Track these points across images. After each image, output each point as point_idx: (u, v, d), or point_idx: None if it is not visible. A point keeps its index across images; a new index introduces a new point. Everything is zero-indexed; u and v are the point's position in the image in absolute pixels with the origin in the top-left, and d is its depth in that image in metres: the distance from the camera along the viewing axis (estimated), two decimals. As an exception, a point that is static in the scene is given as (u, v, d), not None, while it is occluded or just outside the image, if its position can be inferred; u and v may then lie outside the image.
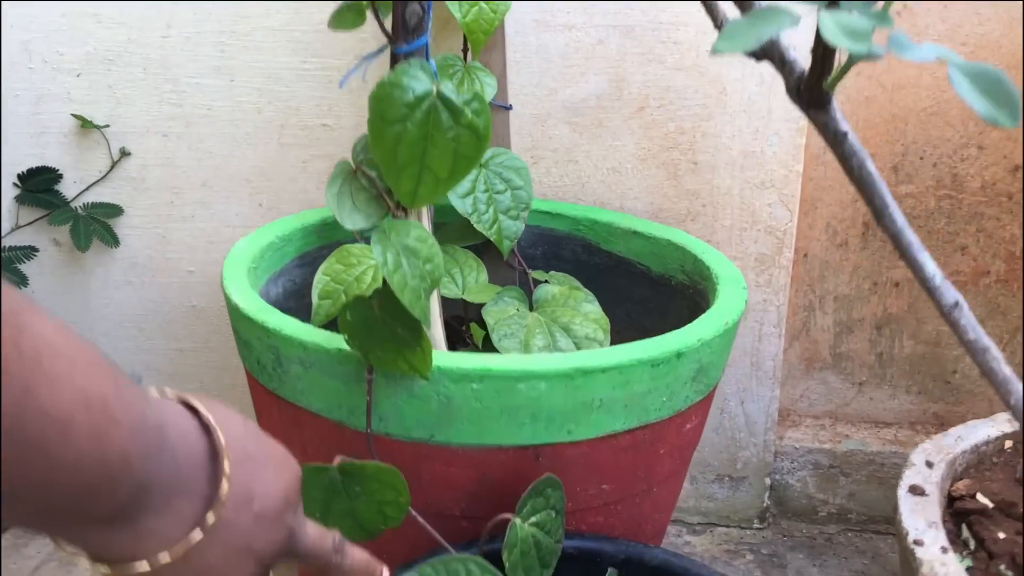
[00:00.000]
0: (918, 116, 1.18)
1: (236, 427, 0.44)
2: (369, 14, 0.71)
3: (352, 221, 0.71)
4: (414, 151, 0.65)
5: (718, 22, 0.69)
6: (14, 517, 0.34)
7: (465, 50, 1.03)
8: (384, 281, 0.68)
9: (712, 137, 1.14)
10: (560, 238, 1.13)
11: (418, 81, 0.64)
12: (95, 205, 1.24)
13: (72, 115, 1.21)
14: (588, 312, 0.94)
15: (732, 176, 1.15)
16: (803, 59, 0.60)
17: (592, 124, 1.15)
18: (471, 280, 0.99)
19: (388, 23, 0.74)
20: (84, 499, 0.35)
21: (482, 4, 0.97)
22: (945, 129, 1.19)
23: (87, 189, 1.25)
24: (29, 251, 1.24)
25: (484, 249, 1.03)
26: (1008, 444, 0.92)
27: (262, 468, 0.44)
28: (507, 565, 0.67)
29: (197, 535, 0.40)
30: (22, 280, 1.21)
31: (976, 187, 1.20)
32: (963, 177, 1.20)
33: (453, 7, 0.92)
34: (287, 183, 1.23)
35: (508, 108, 1.07)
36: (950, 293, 0.74)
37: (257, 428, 0.46)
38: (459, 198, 0.98)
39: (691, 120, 1.13)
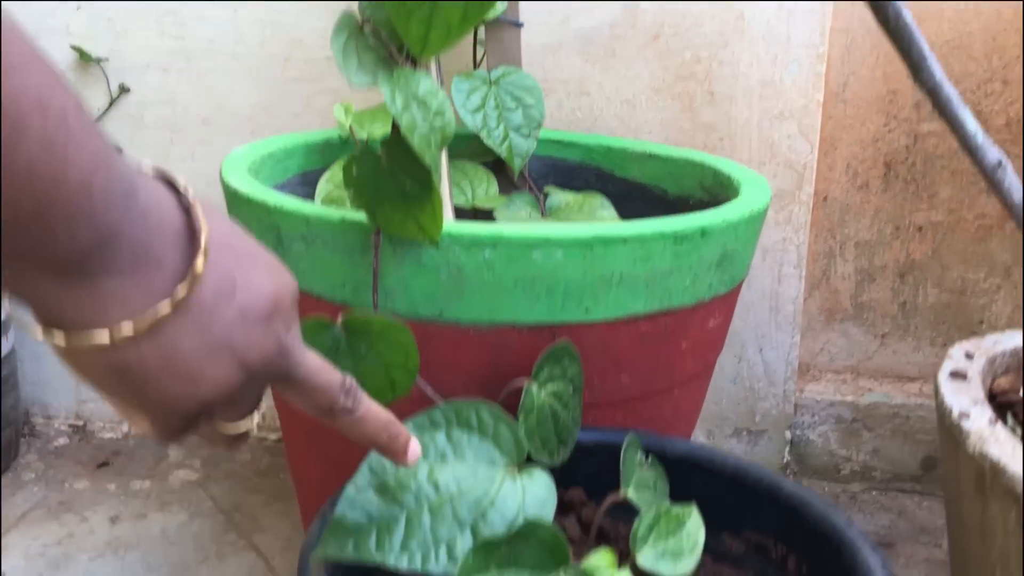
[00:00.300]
0: (940, 50, 1.15)
1: (221, 219, 0.39)
2: None
3: (358, 76, 0.67)
4: (426, -15, 0.61)
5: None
6: None
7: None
8: (392, 132, 0.64)
9: (729, 66, 1.10)
10: (572, 168, 1.09)
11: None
12: (92, 144, 1.20)
13: (71, 47, 1.17)
14: (604, 217, 0.90)
15: (750, 107, 1.12)
16: None
17: (605, 54, 1.12)
18: (481, 192, 0.95)
19: None
20: (38, 226, 0.31)
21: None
22: (968, 63, 1.15)
23: (85, 128, 1.21)
24: (23, 189, 1.20)
25: (495, 171, 0.99)
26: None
27: (248, 263, 0.39)
28: (523, 430, 0.62)
29: (165, 307, 0.35)
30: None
31: (1001, 124, 1.16)
32: (987, 113, 1.16)
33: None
34: (291, 119, 1.19)
35: (519, 25, 1.03)
36: (992, 152, 0.69)
37: (242, 232, 0.40)
38: (469, 113, 0.94)
39: (707, 48, 1.10)
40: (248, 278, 0.38)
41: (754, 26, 1.09)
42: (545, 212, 0.93)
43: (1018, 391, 0.77)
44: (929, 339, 1.26)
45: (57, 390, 1.32)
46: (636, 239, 0.70)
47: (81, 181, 0.31)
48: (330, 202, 0.91)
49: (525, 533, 0.53)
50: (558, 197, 0.94)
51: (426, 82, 0.66)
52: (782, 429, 1.23)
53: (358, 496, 0.55)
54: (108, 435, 1.32)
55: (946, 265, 1.22)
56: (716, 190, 0.95)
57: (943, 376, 0.72)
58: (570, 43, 1.12)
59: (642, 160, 1.04)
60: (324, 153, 1.02)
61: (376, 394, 0.65)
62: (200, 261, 0.35)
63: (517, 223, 0.78)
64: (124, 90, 1.19)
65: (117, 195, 0.33)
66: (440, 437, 0.58)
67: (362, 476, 0.56)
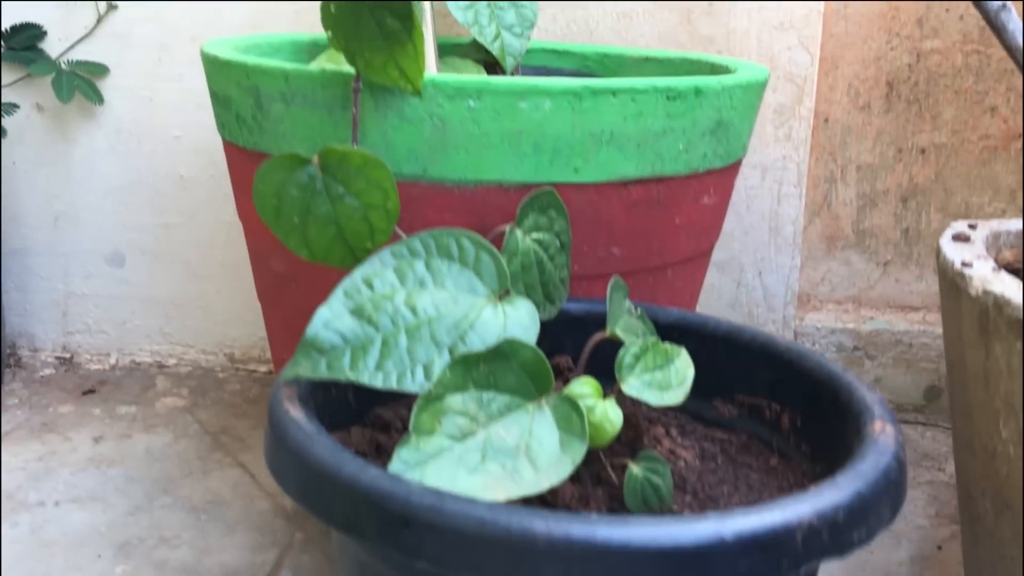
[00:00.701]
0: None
1: None
2: None
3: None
4: None
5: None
6: None
7: None
8: (372, -36, 0.62)
9: (727, -27, 1.08)
10: (568, 76, 1.07)
11: None
12: (79, 63, 1.18)
13: (57, -41, 1.16)
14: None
15: (749, 17, 1.09)
16: None
17: (601, -37, 1.10)
18: (471, 84, 0.93)
19: None
20: None
21: None
22: (972, -23, 1.13)
23: (72, 47, 1.19)
24: (9, 107, 1.18)
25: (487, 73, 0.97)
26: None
27: None
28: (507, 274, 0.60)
29: None
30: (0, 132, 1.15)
31: (1006, 40, 1.13)
32: (992, 30, 1.13)
33: None
34: (280, 35, 1.17)
35: (512, -76, 1.01)
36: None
37: None
38: (461, 10, 0.92)
39: (705, -45, 1.08)
40: None
41: (753, -67, 1.06)
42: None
43: (1021, 264, 0.74)
44: (933, 267, 1.23)
45: (44, 321, 1.29)
46: (627, 91, 0.68)
47: None
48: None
49: (505, 353, 0.51)
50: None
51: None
52: (782, 356, 1.20)
53: (332, 319, 0.53)
54: (95, 367, 1.30)
55: (950, 189, 1.19)
56: (713, 85, 0.93)
57: (945, 240, 0.69)
58: (565, -46, 1.10)
59: (638, 64, 1.02)
60: (311, 53, 0.99)
61: (354, 240, 0.62)
62: None
63: (504, 77, 0.75)
64: (112, 7, 1.17)
65: None
66: (419, 265, 0.56)
67: (336, 299, 0.54)
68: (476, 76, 0.66)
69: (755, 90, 0.78)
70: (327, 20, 0.64)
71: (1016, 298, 0.55)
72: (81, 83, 1.17)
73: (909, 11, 1.14)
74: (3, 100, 1.19)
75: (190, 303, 1.27)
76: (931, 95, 1.17)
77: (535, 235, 0.63)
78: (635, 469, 0.54)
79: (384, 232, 0.62)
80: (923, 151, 1.19)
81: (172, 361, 1.29)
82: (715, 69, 0.92)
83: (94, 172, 1.24)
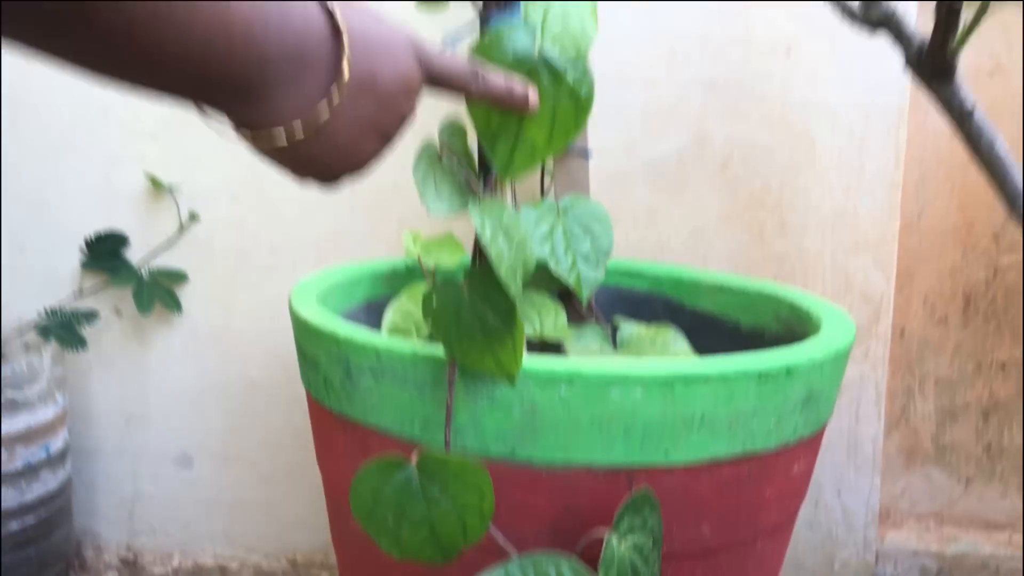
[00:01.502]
0: None
1: (359, 12, 0.46)
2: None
3: (435, 206, 0.66)
4: (511, 114, 0.61)
5: None
6: (164, 85, 0.40)
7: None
8: (474, 262, 0.63)
9: (801, 195, 1.09)
10: (641, 298, 1.07)
11: (520, 39, 0.61)
12: (160, 271, 1.21)
13: (145, 173, 1.20)
14: (679, 351, 0.86)
15: (823, 238, 1.09)
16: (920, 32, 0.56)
17: (673, 183, 1.11)
18: (549, 323, 0.93)
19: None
20: (218, 67, 0.40)
21: (565, 42, 0.95)
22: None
23: (154, 254, 1.22)
24: (90, 315, 1.20)
25: (562, 301, 0.97)
26: None
27: (383, 53, 0.47)
28: (603, 586, 0.58)
29: (325, 111, 0.44)
30: (79, 343, 1.17)
31: (1086, 258, 1.12)
32: (1071, 247, 1.12)
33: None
34: (355, 247, 1.19)
35: (588, 155, 1.03)
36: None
37: (373, 10, 0.48)
38: (537, 242, 0.93)
39: (778, 177, 1.09)
40: (384, 70, 0.47)
41: (826, 156, 1.07)
42: (616, 345, 0.90)
43: None
44: (1016, 484, 1.18)
45: (110, 521, 1.29)
46: (719, 378, 0.67)
47: (244, 25, 0.39)
48: (396, 331, 0.89)
49: None
50: (629, 329, 0.91)
51: (509, 211, 0.64)
52: (863, 578, 1.15)
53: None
54: (158, 569, 1.28)
55: (1033, 404, 1.16)
56: (793, 323, 0.92)
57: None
58: (637, 172, 1.12)
59: (713, 292, 1.01)
60: (390, 281, 1.01)
61: (446, 540, 0.61)
62: (346, 66, 0.44)
63: (593, 359, 0.75)
64: (194, 217, 1.21)
65: (272, 27, 0.41)
66: (518, 592, 0.54)
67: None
68: (568, 363, 0.66)
69: (843, 357, 0.77)
70: (427, 312, 0.64)
71: None
72: (161, 292, 1.20)
73: (984, 226, 1.14)
74: (84, 307, 1.22)
75: (255, 506, 1.26)
76: (1010, 310, 1.15)
77: (630, 538, 0.62)
78: None
79: (477, 531, 0.61)
80: (1003, 366, 1.16)
81: (234, 564, 1.27)
82: (794, 311, 0.91)
83: (168, 375, 1.25)
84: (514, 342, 0.63)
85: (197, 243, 1.22)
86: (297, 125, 0.44)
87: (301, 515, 1.25)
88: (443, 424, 0.67)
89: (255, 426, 1.25)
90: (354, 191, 1.17)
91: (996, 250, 1.14)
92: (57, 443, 1.15)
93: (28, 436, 1.11)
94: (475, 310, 0.63)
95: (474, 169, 0.68)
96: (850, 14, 0.67)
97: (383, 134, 0.49)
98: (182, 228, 1.22)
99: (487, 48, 0.61)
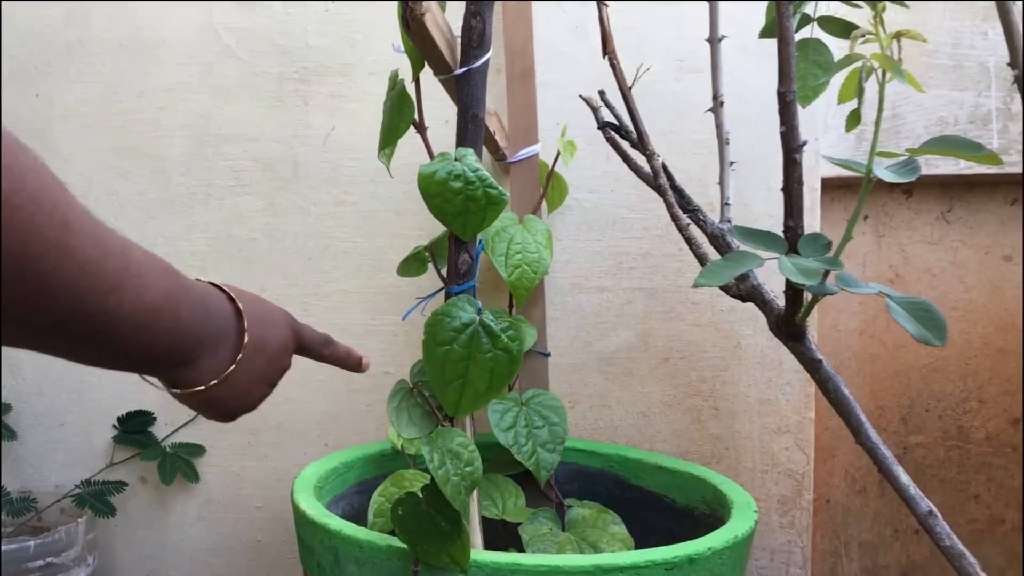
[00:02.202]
0: (920, 372, 1.31)
1: (249, 297, 0.64)
2: (430, 265, 0.89)
3: (408, 431, 0.84)
4: (458, 368, 0.80)
5: (703, 261, 0.86)
6: (125, 367, 0.53)
7: (511, 305, 1.21)
8: (431, 480, 0.81)
9: (730, 386, 1.27)
10: (594, 474, 1.24)
11: (464, 311, 0.80)
12: (181, 445, 1.40)
13: (172, 363, 1.40)
14: (615, 532, 1.04)
15: (751, 421, 1.27)
16: (780, 300, 0.76)
17: (622, 373, 1.30)
18: (510, 504, 1.10)
19: (444, 272, 0.91)
20: (168, 353, 0.55)
21: (524, 267, 1.16)
22: (946, 384, 1.31)
23: (176, 431, 1.41)
24: (119, 485, 1.38)
25: (524, 480, 1.15)
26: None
27: (269, 325, 0.65)
28: None
29: (231, 368, 0.60)
30: (110, 511, 1.35)
31: (981, 438, 1.30)
32: (968, 428, 1.30)
33: (500, 267, 1.10)
34: (351, 424, 1.38)
35: (547, 355, 1.22)
36: (923, 503, 0.84)
37: (260, 298, 0.66)
38: (502, 431, 1.11)
39: (711, 370, 1.28)
40: (270, 336, 0.65)
41: (750, 353, 1.27)
42: (565, 526, 1.07)
43: None
44: (938, 637, 1.33)
45: (126, 666, 1.44)
46: (631, 567, 0.84)
47: (187, 325, 0.55)
48: (381, 514, 1.06)
49: None
50: (576, 511, 1.08)
51: (459, 437, 0.83)
52: None
53: None
54: None
55: (945, 567, 1.32)
56: (715, 505, 1.09)
57: None
58: (592, 363, 1.31)
59: (654, 471, 1.19)
60: (379, 463, 1.19)
61: None
62: (247, 339, 0.61)
63: (532, 555, 0.92)
64: (212, 398, 1.40)
65: (200, 320, 0.57)
66: None
67: None
68: (511, 557, 0.83)
69: (742, 545, 0.94)
70: (395, 519, 0.82)
71: None
72: (182, 465, 1.38)
73: (893, 411, 1.32)
74: (114, 477, 1.39)
75: (258, 656, 1.41)
76: (919, 483, 1.31)
77: None
78: None
79: None
80: (917, 531, 1.32)
81: None
82: (716, 495, 1.09)
83: (184, 536, 1.42)
84: (463, 541, 0.81)
85: (213, 423, 1.40)
86: (213, 382, 0.60)
87: (299, 665, 1.40)
88: (411, 605, 0.84)
89: (260, 583, 1.41)
90: (351, 377, 1.37)
91: (905, 431, 1.32)
92: (86, 601, 1.31)
93: (62, 596, 1.27)
94: (431, 517, 0.81)
95: (438, 401, 0.87)
96: (724, 287, 0.87)
97: (270, 382, 0.65)
98: (202, 407, 1.40)
99: (440, 315, 0.80)
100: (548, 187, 1.21)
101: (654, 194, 1.09)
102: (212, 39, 1.37)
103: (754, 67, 1.24)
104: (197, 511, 1.42)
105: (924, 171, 1.13)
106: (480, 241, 0.94)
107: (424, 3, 0.66)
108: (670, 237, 1.27)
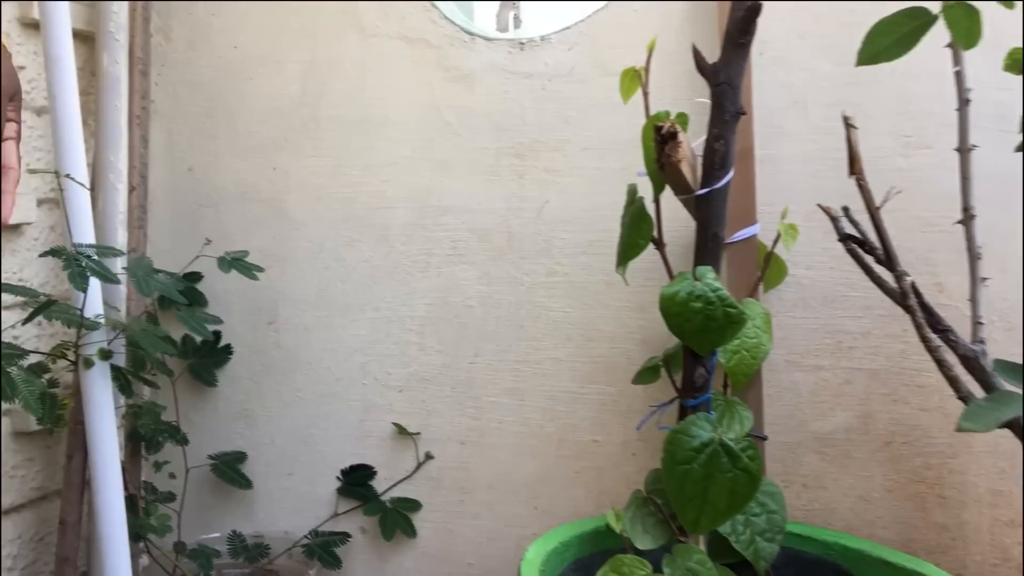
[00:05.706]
0: None
1: None
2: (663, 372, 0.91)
3: (643, 542, 0.86)
4: (697, 487, 0.81)
5: (961, 395, 0.83)
6: None
7: (725, 385, 1.21)
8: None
9: (958, 474, 1.22)
10: (810, 562, 1.22)
11: (703, 430, 0.81)
12: (399, 500, 1.47)
13: (392, 423, 1.47)
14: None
15: (980, 512, 1.21)
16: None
17: (840, 454, 1.27)
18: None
19: (679, 380, 0.93)
20: None
21: (743, 352, 1.15)
22: None
23: (394, 485, 1.48)
24: (344, 537, 1.47)
25: (741, 568, 1.14)
26: None
27: None
28: None
29: None
30: (336, 563, 1.43)
31: None
32: None
33: (719, 352, 1.10)
34: (561, 490, 1.41)
35: (764, 439, 1.21)
36: None
37: None
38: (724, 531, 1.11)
39: (937, 457, 1.23)
40: None
41: (981, 441, 1.21)
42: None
43: None
44: None
45: None
46: None
47: None
48: (601, 598, 1.09)
49: None
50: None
51: (699, 555, 0.84)
52: None
53: None
54: None
55: None
56: (947, 610, 1.05)
57: None
58: (808, 443, 1.28)
59: (877, 565, 1.15)
60: (594, 541, 1.21)
61: None
62: None
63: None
64: (429, 457, 1.47)
65: None
66: None
67: None
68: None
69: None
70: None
71: None
72: (400, 520, 1.45)
73: None
74: (337, 528, 1.48)
75: None
76: None
77: None
78: None
79: None
80: None
81: None
82: (948, 600, 1.04)
83: (398, 586, 1.49)
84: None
85: (429, 478, 1.47)
86: None
87: None
88: None
89: (469, 636, 1.46)
90: (560, 443, 1.40)
91: None
92: (313, 646, 1.40)
93: (294, 642, 1.36)
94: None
95: (673, 512, 0.88)
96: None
97: None
98: (419, 465, 1.47)
99: (679, 434, 0.82)
100: (767, 269, 1.20)
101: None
102: (434, 116, 1.44)
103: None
104: (414, 564, 1.49)
105: None
106: (715, 354, 0.94)
107: (681, 150, 0.68)
108: (894, 317, 1.23)
